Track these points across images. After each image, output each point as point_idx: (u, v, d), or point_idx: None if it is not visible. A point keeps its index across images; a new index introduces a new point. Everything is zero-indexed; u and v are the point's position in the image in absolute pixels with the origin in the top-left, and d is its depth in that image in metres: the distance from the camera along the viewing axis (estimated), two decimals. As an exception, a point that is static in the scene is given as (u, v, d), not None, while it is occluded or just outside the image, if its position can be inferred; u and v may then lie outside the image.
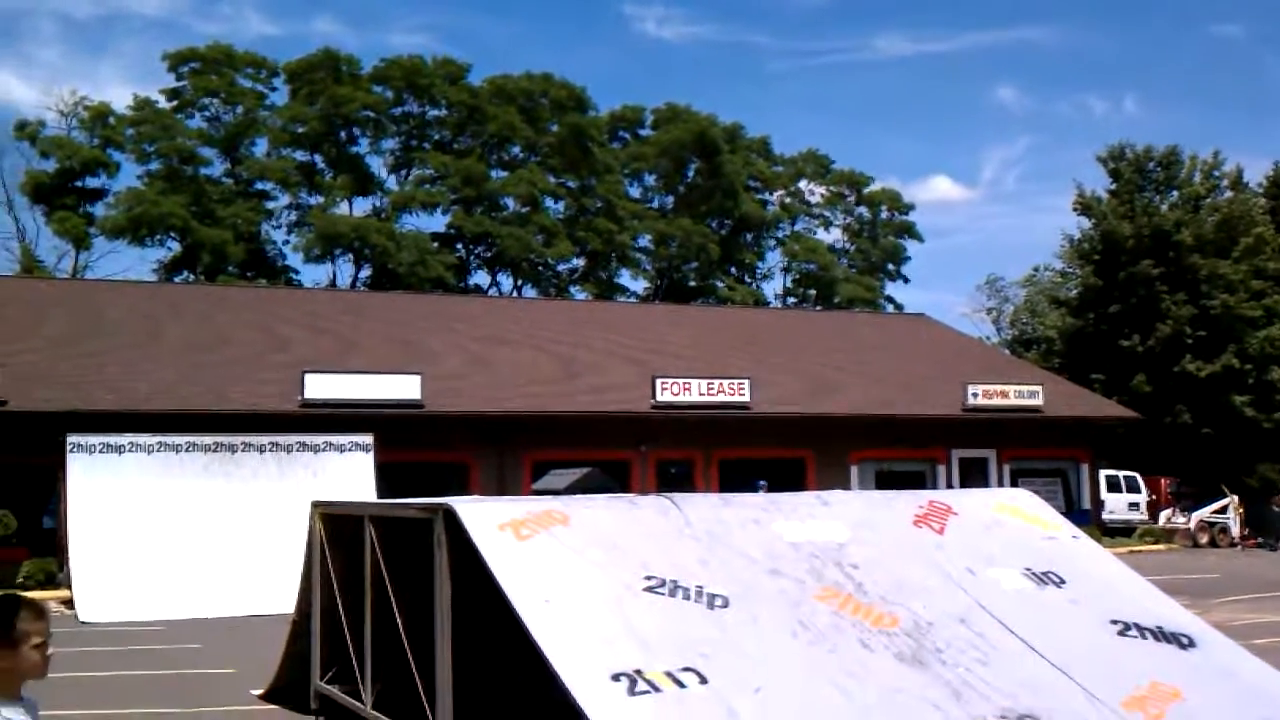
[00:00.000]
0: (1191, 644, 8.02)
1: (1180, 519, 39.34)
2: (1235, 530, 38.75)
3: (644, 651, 6.75)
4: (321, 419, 27.23)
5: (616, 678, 6.46)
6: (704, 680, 6.58)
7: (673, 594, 7.41)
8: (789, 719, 6.43)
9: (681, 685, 6.51)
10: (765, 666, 6.90)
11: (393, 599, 8.98)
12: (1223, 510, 39.17)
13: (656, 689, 6.43)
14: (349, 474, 24.50)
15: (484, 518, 7.86)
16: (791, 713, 6.51)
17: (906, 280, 75.95)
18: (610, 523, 8.16)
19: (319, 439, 25.41)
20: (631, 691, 6.37)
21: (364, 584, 9.80)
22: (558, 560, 7.52)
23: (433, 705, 8.10)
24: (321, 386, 28.66)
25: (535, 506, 8.28)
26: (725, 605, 7.39)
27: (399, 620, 8.85)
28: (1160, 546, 35.93)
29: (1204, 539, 38.01)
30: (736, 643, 7.06)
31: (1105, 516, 38.15)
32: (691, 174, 67.49)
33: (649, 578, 7.49)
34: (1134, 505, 40.25)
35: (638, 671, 6.54)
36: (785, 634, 7.32)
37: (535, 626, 6.87)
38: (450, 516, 7.96)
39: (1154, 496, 41.14)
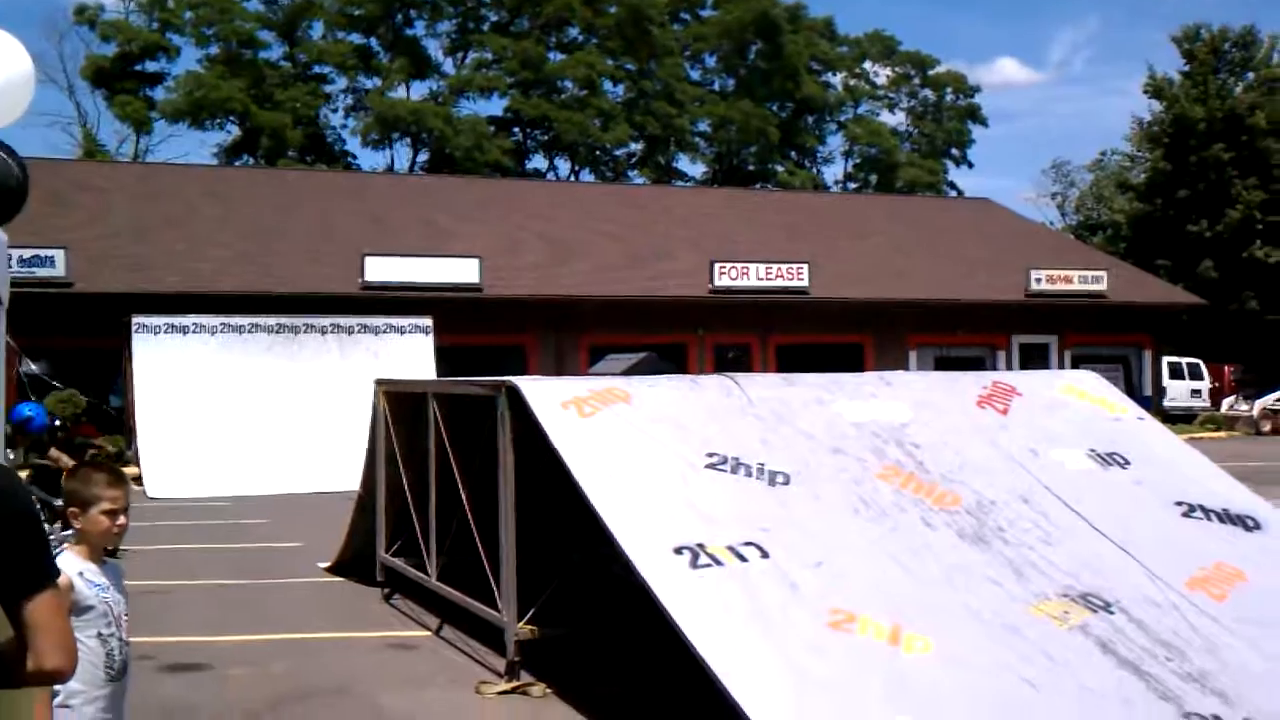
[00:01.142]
0: (1257, 526, 7.97)
1: (1243, 406, 38.86)
2: (1301, 418, 38.29)
3: (706, 526, 6.80)
4: (381, 301, 27.40)
5: (679, 551, 6.53)
6: (765, 555, 6.63)
7: (734, 471, 7.45)
8: (850, 593, 6.46)
9: (743, 559, 6.56)
10: (826, 542, 6.93)
11: (456, 474, 9.10)
12: (1291, 397, 38.66)
13: (719, 562, 6.49)
14: (409, 356, 24.69)
15: (547, 395, 7.91)
16: (852, 587, 6.55)
17: (970, 165, 74.72)
18: (672, 401, 8.18)
19: (379, 321, 25.59)
20: (694, 564, 6.44)
21: (428, 460, 9.94)
22: (620, 437, 7.56)
23: (496, 577, 8.24)
24: (381, 269, 28.78)
25: (598, 384, 8.32)
26: (787, 482, 7.42)
27: (463, 495, 8.98)
28: (1222, 434, 35.56)
29: (1267, 427, 37.57)
30: (798, 519, 7.10)
31: (1167, 404, 37.77)
32: (752, 56, 66.28)
33: (711, 455, 7.52)
34: (1196, 392, 39.81)
35: (700, 545, 6.59)
36: (846, 511, 7.34)
37: (598, 501, 6.93)
38: (514, 393, 8.02)
39: (1217, 384, 40.66)
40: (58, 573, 2.19)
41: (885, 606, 6.39)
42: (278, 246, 30.24)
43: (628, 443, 7.52)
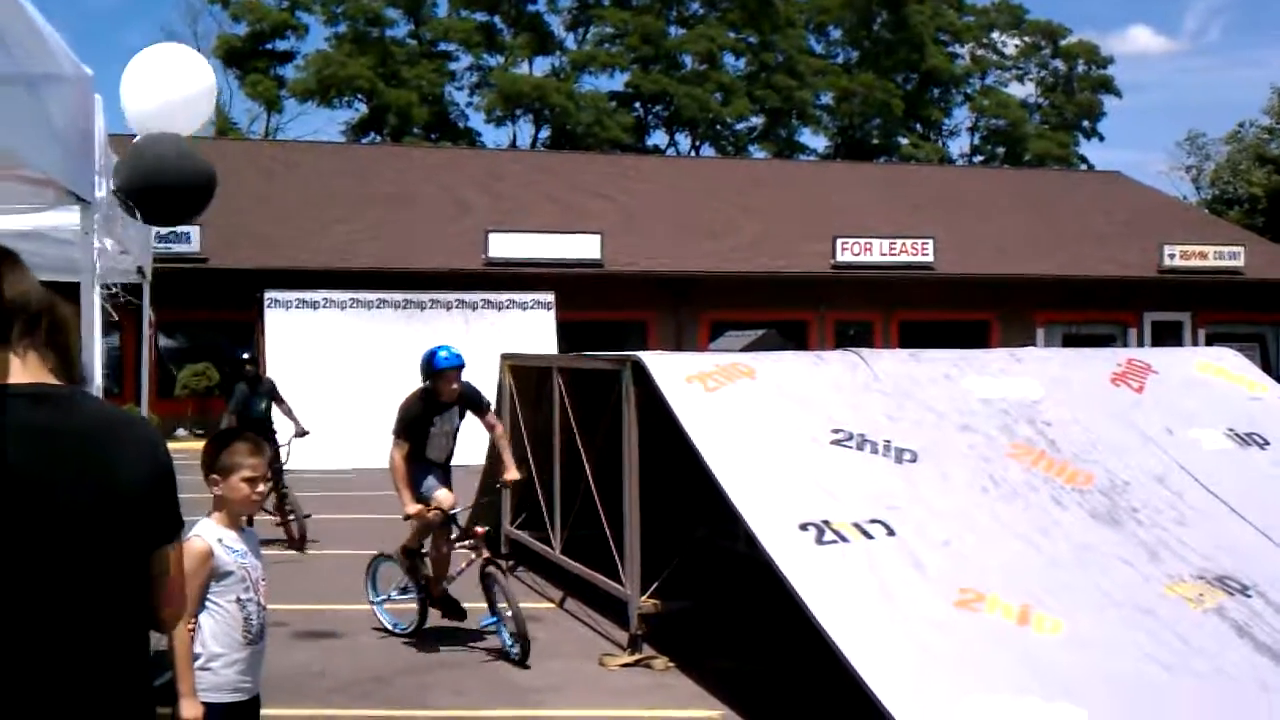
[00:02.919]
0: (1406, 511, 7.66)
1: (1391, 388, 37.37)
2: None
3: (832, 503, 6.78)
4: (504, 277, 27.72)
5: (804, 527, 6.52)
6: (891, 532, 6.59)
7: (860, 447, 7.40)
8: (978, 572, 6.39)
9: (869, 536, 6.53)
10: (954, 521, 6.86)
11: (581, 448, 9.19)
12: None
13: (844, 539, 6.46)
14: (531, 331, 24.96)
15: (672, 369, 7.94)
16: (980, 566, 6.47)
17: (1102, 138, 72.85)
18: (797, 376, 8.16)
19: (503, 297, 25.92)
20: (819, 541, 6.42)
21: (552, 434, 10.06)
22: (745, 412, 7.57)
23: (620, 551, 8.31)
24: (504, 245, 29.10)
25: (722, 359, 8.33)
26: (914, 460, 7.35)
27: (587, 469, 9.07)
28: (1367, 416, 34.25)
29: None
30: (925, 497, 7.04)
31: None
32: (877, 27, 65.34)
33: (836, 430, 7.49)
34: (1339, 373, 38.41)
35: (825, 522, 6.58)
36: (975, 490, 7.26)
37: (723, 476, 6.95)
38: (638, 368, 8.07)
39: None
40: (185, 527, 2.33)
41: (1014, 586, 6.31)
42: (404, 223, 30.75)
43: (752, 418, 7.52)
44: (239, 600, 3.94)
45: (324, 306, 24.26)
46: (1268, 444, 8.27)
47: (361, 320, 24.32)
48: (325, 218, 30.38)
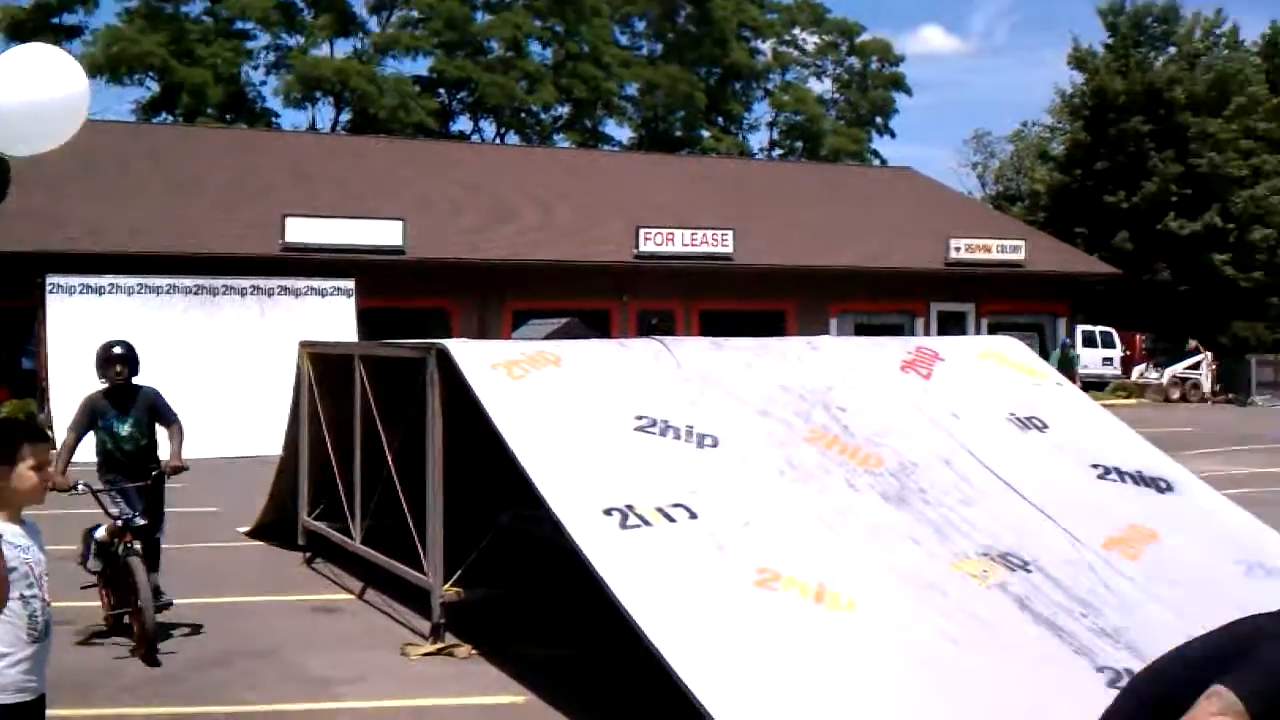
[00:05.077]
0: (1170, 488, 8.18)
1: (1153, 374, 39.76)
2: (1206, 386, 39.24)
3: (635, 488, 6.85)
4: (302, 263, 27.05)
5: (609, 512, 6.57)
6: (694, 516, 6.70)
7: (663, 433, 7.50)
8: (776, 553, 6.55)
9: (671, 520, 6.63)
10: (753, 504, 7.01)
11: (383, 437, 9.06)
12: (1195, 366, 39.59)
13: (647, 523, 6.54)
14: (330, 319, 24.42)
15: (477, 357, 7.90)
16: (778, 547, 6.63)
17: (894, 134, 75.19)
18: (602, 364, 8.21)
19: (301, 283, 25.27)
20: (623, 525, 6.49)
21: (352, 423, 9.88)
22: (550, 399, 7.58)
23: (422, 540, 8.23)
24: (302, 231, 28.40)
25: (528, 348, 8.33)
26: (715, 445, 7.48)
27: (389, 458, 8.95)
28: (1132, 401, 36.36)
29: (1175, 394, 38.49)
30: (726, 481, 7.17)
31: (1079, 371, 38.52)
32: (681, 19, 66.08)
33: (640, 417, 7.57)
34: (1108, 360, 40.62)
35: (629, 507, 6.64)
36: (773, 473, 7.43)
37: (528, 463, 6.95)
38: (443, 356, 8.00)
39: (1128, 352, 41.51)
40: None
41: (810, 566, 6.48)
42: (197, 206, 29.70)
43: (557, 405, 7.54)
44: (23, 597, 3.75)
45: (110, 292, 23.23)
46: (1046, 427, 8.70)
47: (150, 307, 23.37)
48: (112, 199, 29.10)
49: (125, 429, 8.42)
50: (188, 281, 23.96)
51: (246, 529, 12.29)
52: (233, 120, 55.88)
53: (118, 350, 8.49)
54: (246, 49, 59.44)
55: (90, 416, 8.42)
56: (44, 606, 3.85)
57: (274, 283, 24.77)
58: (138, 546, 7.94)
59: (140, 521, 8.06)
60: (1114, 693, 5.77)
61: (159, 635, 7.68)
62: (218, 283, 24.26)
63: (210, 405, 21.53)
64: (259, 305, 24.29)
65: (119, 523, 8.04)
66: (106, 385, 8.47)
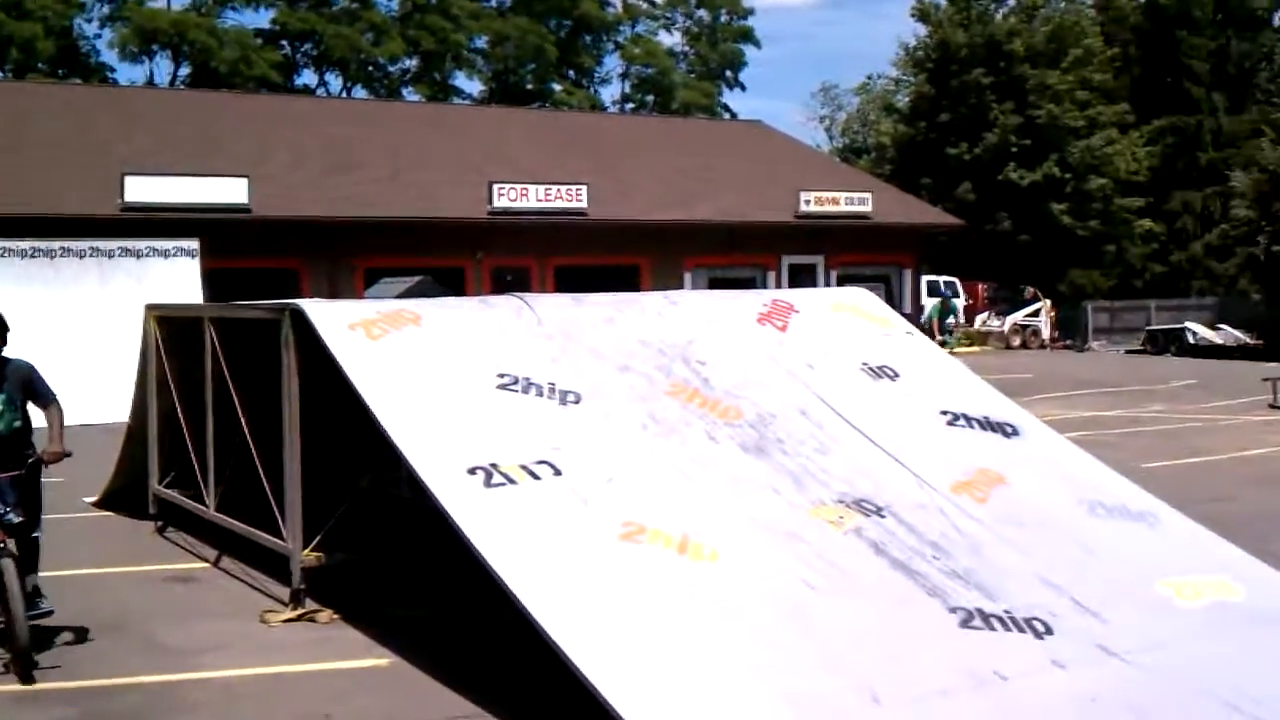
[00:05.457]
0: (1015, 433, 8.48)
1: (995, 322, 41.08)
2: (1046, 333, 40.72)
3: (499, 446, 6.84)
4: (143, 223, 26.16)
5: (473, 471, 6.56)
6: (558, 472, 6.73)
7: (526, 391, 7.50)
8: (640, 507, 6.62)
9: (536, 477, 6.65)
10: (617, 458, 7.07)
11: (236, 402, 8.87)
12: (1035, 314, 41.02)
13: (512, 481, 6.55)
14: (174, 280, 23.70)
15: (334, 317, 7.78)
16: (642, 501, 6.71)
17: (744, 88, 75.89)
18: (462, 322, 8.17)
19: (142, 244, 24.45)
20: (488, 484, 6.49)
21: (204, 387, 9.64)
22: (410, 359, 7.52)
23: (280, 505, 8.10)
24: (143, 190, 27.46)
25: (386, 307, 8.23)
26: (578, 401, 7.52)
27: (243, 423, 8.77)
28: (975, 348, 37.51)
29: (1016, 341, 39.85)
30: (589, 437, 7.21)
31: (925, 320, 39.59)
32: (529, -29, 65.42)
33: (502, 375, 7.55)
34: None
35: (493, 465, 6.64)
36: (635, 428, 7.49)
37: (389, 424, 6.89)
38: (298, 316, 7.85)
39: (971, 301, 42.78)
40: None
41: (674, 518, 6.58)
42: (30, 166, 28.46)
43: (418, 365, 7.48)
44: None
45: (-63, 255, 22.23)
46: (897, 376, 8.93)
47: (-17, 270, 22.41)
48: (-65, 158, 27.75)
49: None
50: (22, 244, 23.00)
51: (94, 499, 11.93)
52: (65, 75, 53.66)
53: None
54: (78, 1, 57.04)
55: None
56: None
57: (114, 244, 23.92)
58: (12, 547, 6.72)
59: (14, 519, 6.89)
60: (967, 632, 6.04)
61: (34, 647, 6.70)
62: (54, 245, 23.33)
63: (51, 372, 20.81)
64: (98, 267, 23.46)
65: None
66: None
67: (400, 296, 23.40)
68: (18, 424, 7.37)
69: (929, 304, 25.63)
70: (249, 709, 6.18)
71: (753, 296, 10.29)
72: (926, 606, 6.22)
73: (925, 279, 40.38)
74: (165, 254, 24.49)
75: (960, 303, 41.58)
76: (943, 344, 24.16)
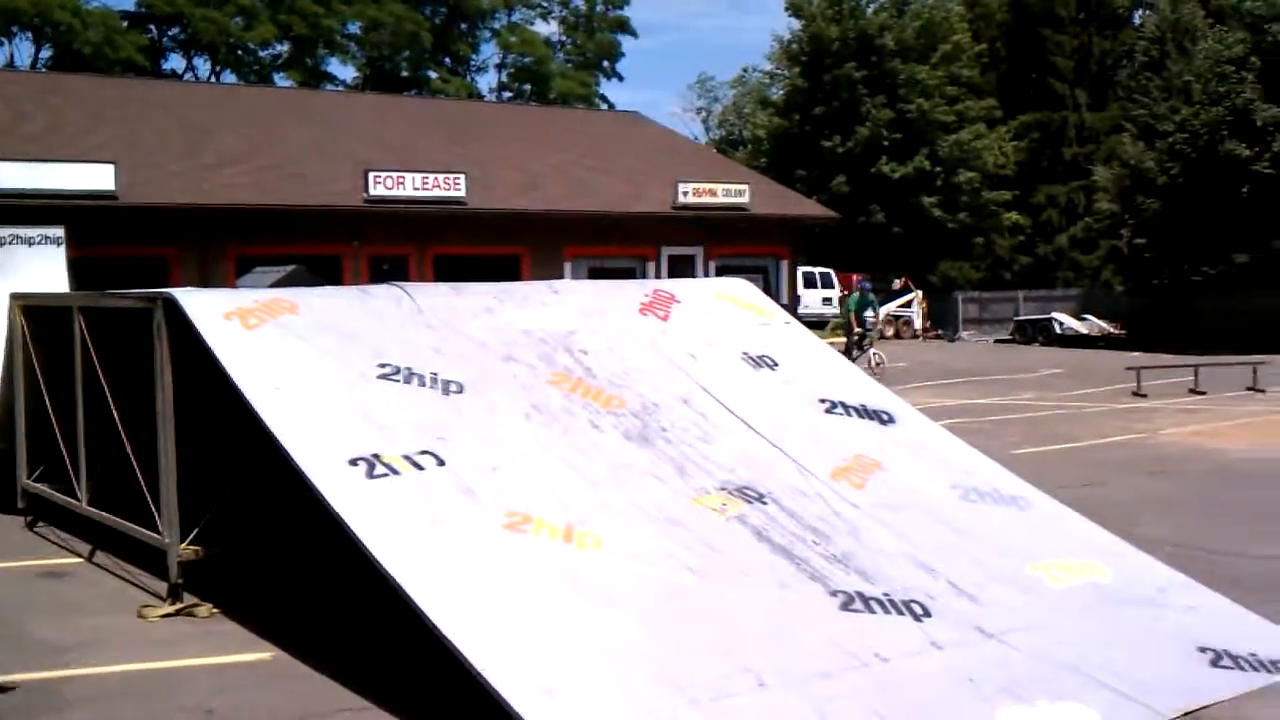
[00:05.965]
0: (891, 420, 8.69)
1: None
2: (918, 323, 41.59)
3: (381, 436, 6.80)
4: (5, 210, 25.28)
5: (354, 462, 6.51)
6: (441, 463, 6.71)
7: (408, 381, 7.46)
8: (524, 496, 6.64)
9: (420, 468, 6.62)
10: (501, 448, 7.08)
11: (107, 393, 8.66)
12: (907, 305, 41.87)
13: (395, 472, 6.52)
14: (38, 269, 22.83)
15: (208, 306, 7.65)
16: (526, 490, 6.73)
17: (621, 78, 75.92)
18: (341, 311, 8.09)
19: (4, 232, 23.56)
20: (370, 475, 6.44)
21: (74, 378, 9.40)
22: (288, 348, 7.42)
23: (155, 498, 7.94)
24: (4, 175, 26.50)
25: (262, 295, 8.11)
26: (460, 391, 7.50)
27: (115, 415, 8.57)
28: (852, 338, 38.12)
29: (890, 331, 40.62)
30: (472, 427, 7.20)
31: (801, 311, 40.07)
32: (405, -44, 64.61)
33: (383, 365, 7.51)
34: (827, 300, 42.46)
35: (376, 456, 6.60)
36: (519, 417, 7.51)
37: (268, 414, 6.80)
38: (171, 305, 7.70)
39: (846, 292, 43.50)
40: None
41: (558, 507, 6.61)
42: (-122, 148, 27.32)
43: (296, 354, 7.38)
44: None
45: None
46: (777, 365, 9.08)
47: None
48: None
49: None
50: (-127, 230, 22.06)
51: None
52: (-84, 55, 51.56)
53: None
54: (-69, -23, 54.87)
55: None
56: None
57: (-28, 231, 23.07)
58: None
59: None
60: (847, 615, 6.18)
61: None
62: (-92, 232, 22.44)
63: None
64: (-44, 255, 22.60)
65: None
66: None
67: (274, 285, 22.99)
68: None
69: (851, 298, 26.01)
70: (129, 706, 6.06)
71: (635, 286, 10.37)
72: (808, 590, 6.35)
73: (801, 270, 40.93)
74: (29, 241, 23.58)
75: (831, 293, 42.22)
76: (862, 337, 24.42)
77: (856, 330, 24.17)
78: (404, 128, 37.95)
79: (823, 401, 8.70)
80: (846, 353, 22.86)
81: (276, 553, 8.63)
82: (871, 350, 23.76)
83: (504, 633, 5.56)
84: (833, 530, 7.01)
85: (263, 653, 6.79)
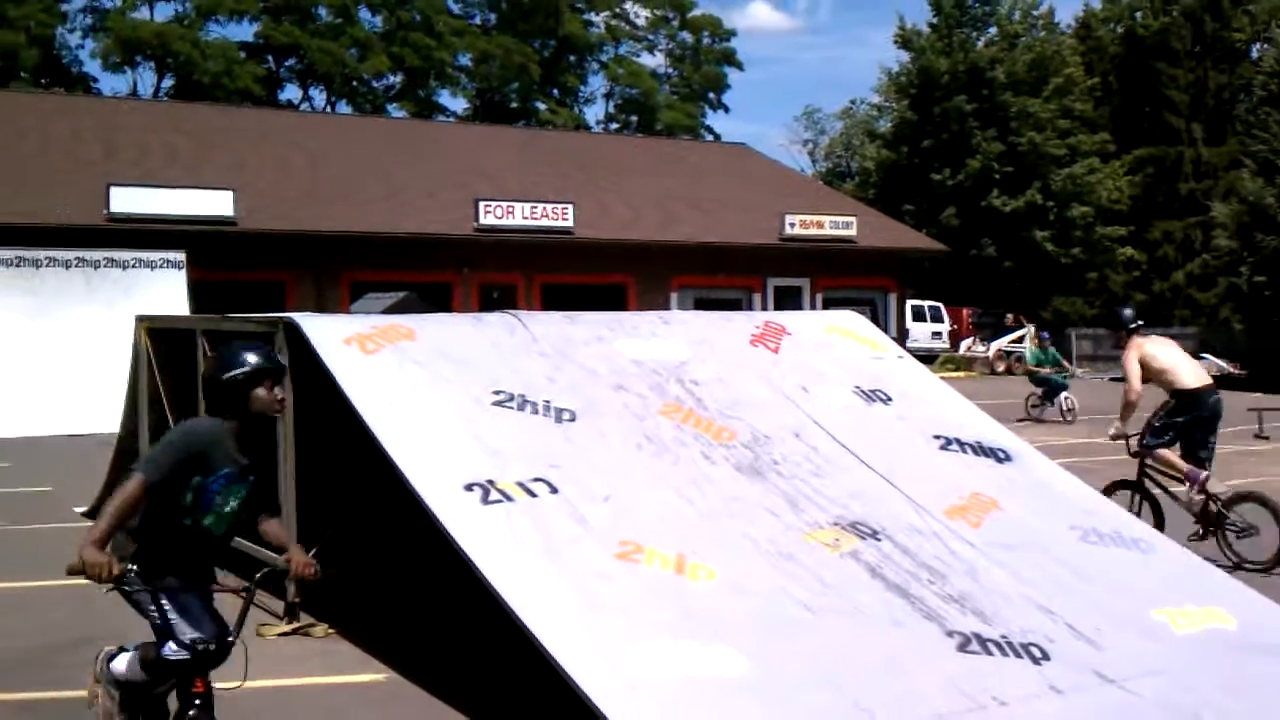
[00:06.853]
0: (1008, 458, 8.52)
1: (980, 348, 41.22)
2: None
3: (496, 463, 6.84)
4: (129, 234, 26.11)
5: (470, 488, 6.55)
6: (555, 490, 6.73)
7: (521, 408, 7.50)
8: (636, 525, 6.63)
9: (533, 495, 6.65)
10: (613, 477, 7.08)
11: (229, 414, 8.83)
12: (1019, 340, 41.16)
13: (509, 498, 6.55)
14: (160, 292, 23.66)
15: (329, 331, 7.78)
16: (638, 520, 6.71)
17: (727, 110, 76.15)
18: (457, 338, 8.17)
19: (128, 255, 24.41)
20: (485, 500, 6.48)
21: (196, 399, 9.61)
22: (406, 374, 7.52)
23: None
24: (128, 200, 27.41)
25: (379, 321, 8.23)
26: (573, 419, 7.52)
27: (236, 435, 8.74)
28: (960, 374, 37.62)
29: (1001, 367, 39.96)
30: (585, 455, 7.22)
31: (910, 345, 39.64)
32: (514, -10, 65.64)
33: (497, 392, 7.56)
34: (937, 334, 41.98)
35: (490, 482, 6.64)
36: (631, 447, 7.50)
37: (386, 439, 6.88)
38: (292, 330, 7.85)
39: (955, 326, 42.96)
40: None
41: (670, 537, 6.59)
42: (13, 175, 28.39)
43: (413, 380, 7.48)
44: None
45: (-75, 263, 22.15)
46: (890, 400, 8.97)
47: (-31, 280, 22.36)
48: (-80, 166, 27.63)
49: (233, 502, 4.82)
50: (7, 253, 22.96)
51: (84, 509, 11.88)
52: (48, 85, 53.54)
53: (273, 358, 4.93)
54: (61, 11, 57.03)
55: (191, 464, 4.61)
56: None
57: (100, 254, 23.88)
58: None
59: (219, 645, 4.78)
60: (964, 656, 6.06)
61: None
62: (39, 254, 23.29)
63: (33, 381, 20.76)
64: (84, 277, 23.42)
65: (185, 652, 4.67)
66: (235, 417, 4.77)
67: (385, 312, 23.38)
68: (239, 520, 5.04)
69: (1033, 351, 25.04)
70: (243, 723, 6.15)
71: (745, 318, 10.32)
72: (924, 630, 6.24)
73: (910, 303, 40.56)
74: (152, 265, 24.45)
75: (940, 327, 41.68)
76: (1061, 378, 23.39)
77: (1045, 371, 23.45)
78: (513, 158, 38.44)
79: (938, 438, 8.57)
80: (1041, 402, 22.99)
81: (392, 574, 8.72)
82: (1064, 396, 22.73)
83: (617, 662, 5.55)
84: (949, 569, 6.88)
85: (377, 674, 6.86)
